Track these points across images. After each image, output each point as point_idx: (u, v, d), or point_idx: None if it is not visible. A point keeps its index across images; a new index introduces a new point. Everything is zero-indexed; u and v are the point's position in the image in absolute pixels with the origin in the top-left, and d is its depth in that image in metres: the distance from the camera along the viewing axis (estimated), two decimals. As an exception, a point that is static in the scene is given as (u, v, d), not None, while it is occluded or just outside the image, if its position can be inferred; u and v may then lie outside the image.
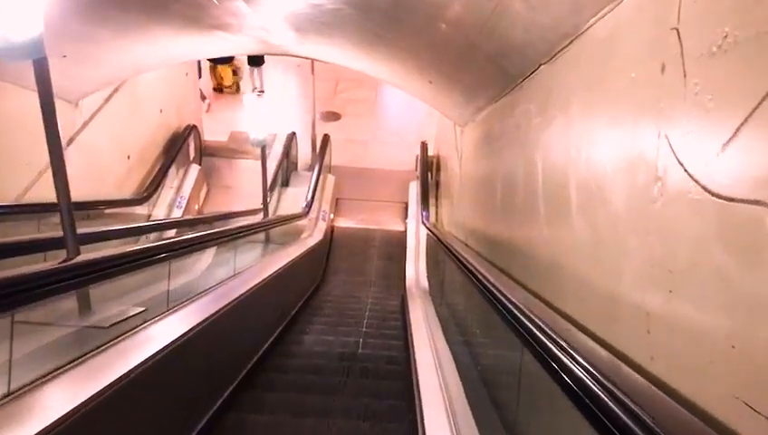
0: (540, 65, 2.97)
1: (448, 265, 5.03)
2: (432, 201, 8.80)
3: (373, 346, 5.16)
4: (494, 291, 2.56)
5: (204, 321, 3.20)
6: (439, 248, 5.82)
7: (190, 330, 3.04)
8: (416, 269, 7.79)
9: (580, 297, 2.14)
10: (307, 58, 6.26)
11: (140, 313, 2.99)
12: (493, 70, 3.70)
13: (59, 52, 5.14)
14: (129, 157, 7.63)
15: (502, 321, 2.31)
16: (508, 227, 3.58)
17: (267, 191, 6.68)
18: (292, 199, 9.28)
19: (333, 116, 12.87)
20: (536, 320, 1.89)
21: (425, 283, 7.44)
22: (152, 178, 8.05)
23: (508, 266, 3.42)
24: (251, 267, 4.72)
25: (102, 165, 6.97)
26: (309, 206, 7.87)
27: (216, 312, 3.35)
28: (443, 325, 4.93)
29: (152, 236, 5.84)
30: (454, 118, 5.95)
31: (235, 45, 5.80)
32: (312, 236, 8.26)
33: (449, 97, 5.20)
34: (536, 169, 2.95)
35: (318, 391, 3.93)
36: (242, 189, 10.06)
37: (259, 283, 4.44)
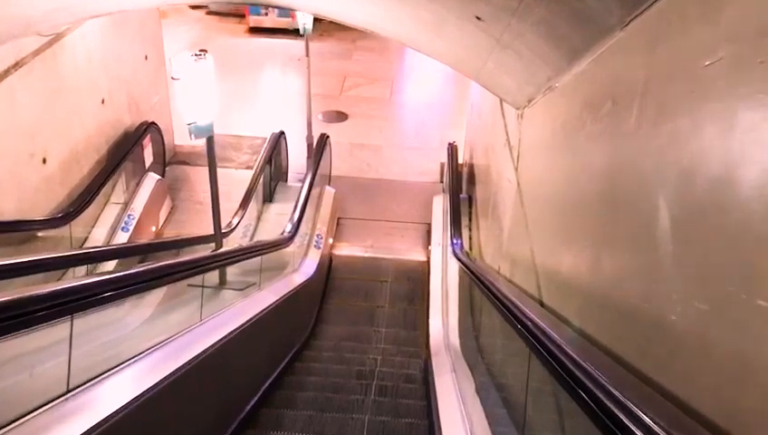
0: None
1: (508, 342, 2.88)
2: (464, 222, 6.54)
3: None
4: None
5: None
6: (485, 301, 3.66)
7: None
8: (443, 320, 5.54)
9: None
10: (282, 7, 4.07)
11: None
12: None
13: None
14: (44, 161, 5.51)
15: None
16: (720, 306, 1.33)
17: (219, 210, 4.52)
18: (275, 219, 7.08)
19: (339, 116, 10.71)
20: None
21: (456, 342, 5.19)
22: (82, 191, 5.94)
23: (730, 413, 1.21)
24: (157, 348, 2.52)
25: (-8, 170, 4.86)
26: (294, 229, 5.64)
27: None
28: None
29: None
30: (511, 92, 3.72)
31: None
32: (299, 272, 6.02)
33: (510, 46, 2.97)
34: None
35: None
36: (220, 206, 7.92)
37: (166, 377, 2.27)
